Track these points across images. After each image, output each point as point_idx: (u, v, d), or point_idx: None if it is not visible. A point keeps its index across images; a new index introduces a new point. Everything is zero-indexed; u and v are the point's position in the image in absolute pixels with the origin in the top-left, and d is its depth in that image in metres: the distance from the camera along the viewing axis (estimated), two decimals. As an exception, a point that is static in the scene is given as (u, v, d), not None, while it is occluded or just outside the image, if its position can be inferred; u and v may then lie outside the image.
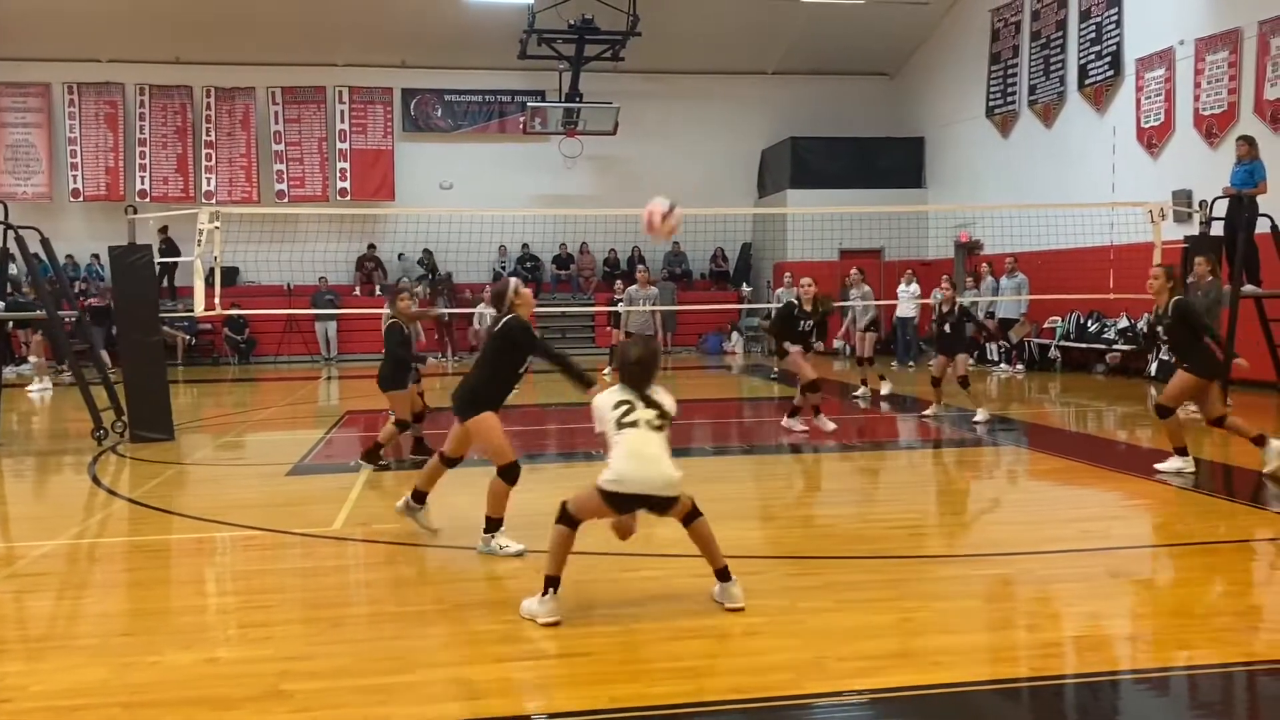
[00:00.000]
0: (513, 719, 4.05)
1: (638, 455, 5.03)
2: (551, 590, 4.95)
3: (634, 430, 5.07)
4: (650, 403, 5.16)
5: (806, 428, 10.97)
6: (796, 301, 11.26)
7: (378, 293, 23.26)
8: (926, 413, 12.35)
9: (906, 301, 19.68)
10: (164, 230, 21.32)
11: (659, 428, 5.15)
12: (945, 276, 13.42)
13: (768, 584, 5.59)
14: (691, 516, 5.18)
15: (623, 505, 5.12)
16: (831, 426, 11.01)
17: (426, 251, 24.07)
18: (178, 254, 16.88)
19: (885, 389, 14.42)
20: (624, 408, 5.13)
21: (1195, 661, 4.52)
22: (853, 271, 15.79)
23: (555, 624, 4.85)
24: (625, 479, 5.00)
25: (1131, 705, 4.25)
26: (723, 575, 5.14)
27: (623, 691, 4.14)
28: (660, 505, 5.11)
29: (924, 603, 5.23)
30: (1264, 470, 8.18)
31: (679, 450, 10.79)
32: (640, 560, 6.01)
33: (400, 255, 24.18)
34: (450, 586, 5.71)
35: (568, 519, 5.11)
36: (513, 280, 6.43)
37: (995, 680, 4.32)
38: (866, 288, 15.40)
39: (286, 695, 4.13)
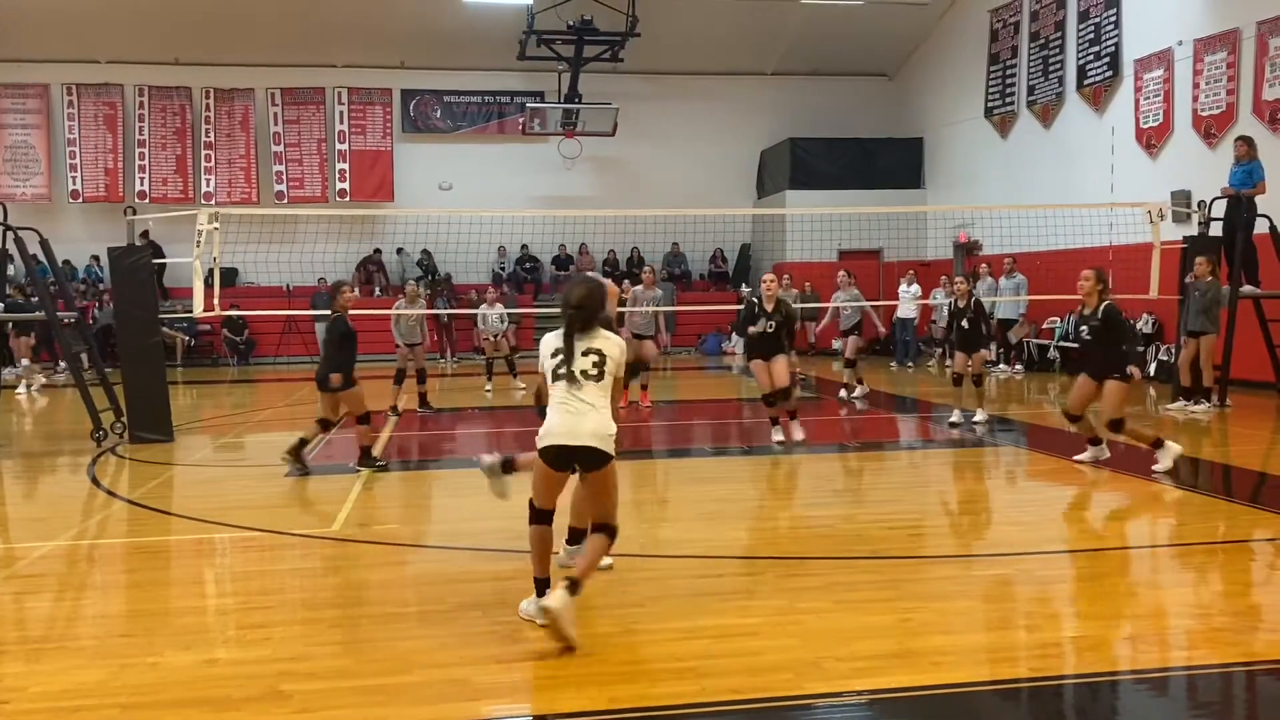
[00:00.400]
0: (513, 719, 4.07)
1: (565, 407, 4.82)
2: (544, 591, 4.85)
3: (563, 382, 4.86)
4: (589, 350, 4.88)
5: (784, 437, 10.34)
6: (757, 300, 10.52)
7: (376, 294, 23.30)
8: (953, 419, 11.56)
9: (907, 302, 19.69)
10: (145, 234, 21.15)
11: (597, 376, 4.86)
12: (962, 274, 13.37)
13: (767, 585, 5.60)
14: (603, 529, 4.93)
15: (556, 462, 4.85)
16: (800, 436, 10.31)
17: (425, 252, 24.10)
18: (161, 255, 16.81)
19: (859, 391, 14.39)
20: (558, 358, 4.90)
21: (1194, 662, 4.52)
22: (840, 274, 15.76)
23: (548, 626, 4.66)
24: (551, 431, 4.82)
25: (1130, 705, 4.26)
26: (573, 587, 4.68)
27: (622, 692, 4.14)
28: (589, 461, 4.82)
29: (923, 603, 5.24)
30: (1154, 469, 8.35)
31: (678, 451, 10.87)
32: (640, 561, 6.01)
33: (399, 250, 24.22)
34: (450, 587, 5.71)
35: (536, 515, 4.96)
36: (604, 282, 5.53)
37: (994, 681, 4.33)
38: (855, 290, 15.38)
39: (286, 696, 4.13)
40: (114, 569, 6.42)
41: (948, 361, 10.81)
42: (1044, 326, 18.78)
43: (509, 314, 17.01)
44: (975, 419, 11.53)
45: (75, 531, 7.27)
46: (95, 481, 9.11)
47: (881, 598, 5.32)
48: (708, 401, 15.66)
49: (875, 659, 4.44)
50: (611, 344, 4.96)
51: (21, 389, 16.87)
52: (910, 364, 19.72)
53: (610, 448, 4.83)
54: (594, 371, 4.86)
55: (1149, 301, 14.83)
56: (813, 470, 9.71)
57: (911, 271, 20.00)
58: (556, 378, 4.89)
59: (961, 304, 11.91)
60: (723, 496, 8.12)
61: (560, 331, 4.94)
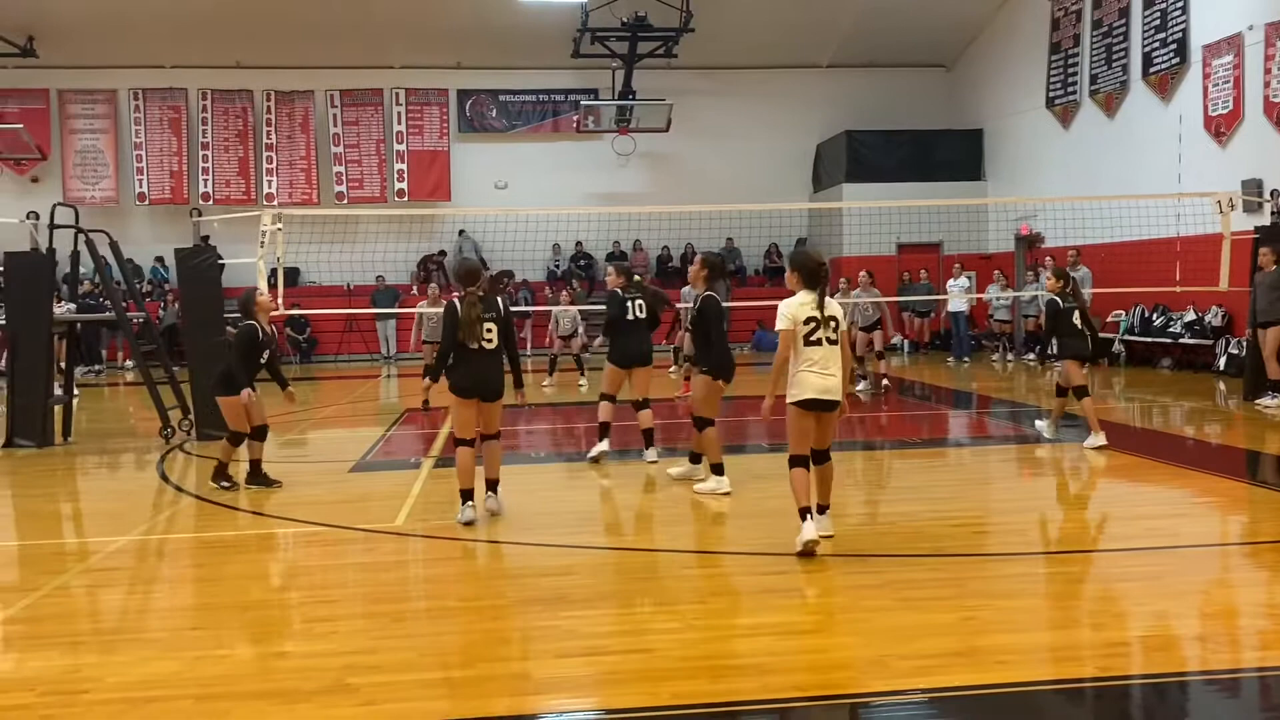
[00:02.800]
0: (574, 714, 4.09)
1: (818, 367, 5.86)
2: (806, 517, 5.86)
3: (816, 347, 5.86)
4: (830, 316, 5.90)
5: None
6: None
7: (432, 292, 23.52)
8: (1045, 433, 10.15)
9: (957, 295, 19.42)
10: (205, 238, 21.52)
11: (836, 340, 5.90)
12: (1046, 262, 13.11)
13: (829, 582, 5.57)
14: (822, 458, 6.08)
15: (810, 406, 5.90)
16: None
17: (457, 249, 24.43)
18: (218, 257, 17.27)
19: (860, 385, 14.37)
20: (811, 324, 5.86)
21: (1267, 663, 4.42)
22: (861, 274, 15.66)
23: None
24: (810, 386, 5.85)
25: (1200, 707, 4.17)
26: (822, 510, 6.18)
27: (684, 688, 4.15)
28: (832, 409, 5.94)
29: (987, 601, 5.17)
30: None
31: (734, 448, 10.84)
32: (701, 558, 6.02)
33: (461, 232, 24.34)
34: (511, 582, 5.76)
35: (796, 460, 6.03)
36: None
37: (1059, 680, 4.26)
38: (875, 290, 15.34)
39: (352, 689, 4.20)
40: (184, 563, 6.57)
41: (1056, 365, 10.37)
42: (1109, 320, 18.41)
43: (579, 311, 17.09)
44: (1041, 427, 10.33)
45: (146, 526, 7.45)
46: (164, 477, 9.33)
47: (944, 595, 5.27)
48: (763, 398, 15.59)
49: (938, 657, 4.40)
50: (840, 308, 6.00)
51: None
52: (966, 359, 19.47)
53: (841, 395, 5.98)
54: (835, 336, 5.91)
55: (1218, 294, 14.49)
56: (871, 467, 9.63)
57: (958, 264, 19.64)
58: (809, 342, 5.84)
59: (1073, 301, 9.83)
60: (782, 493, 8.07)
61: (809, 298, 5.90)
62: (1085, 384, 9.52)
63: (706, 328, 7.92)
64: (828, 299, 5.95)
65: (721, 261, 8.21)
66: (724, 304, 8.42)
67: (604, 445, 9.25)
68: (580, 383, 15.81)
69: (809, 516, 5.87)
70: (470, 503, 6.97)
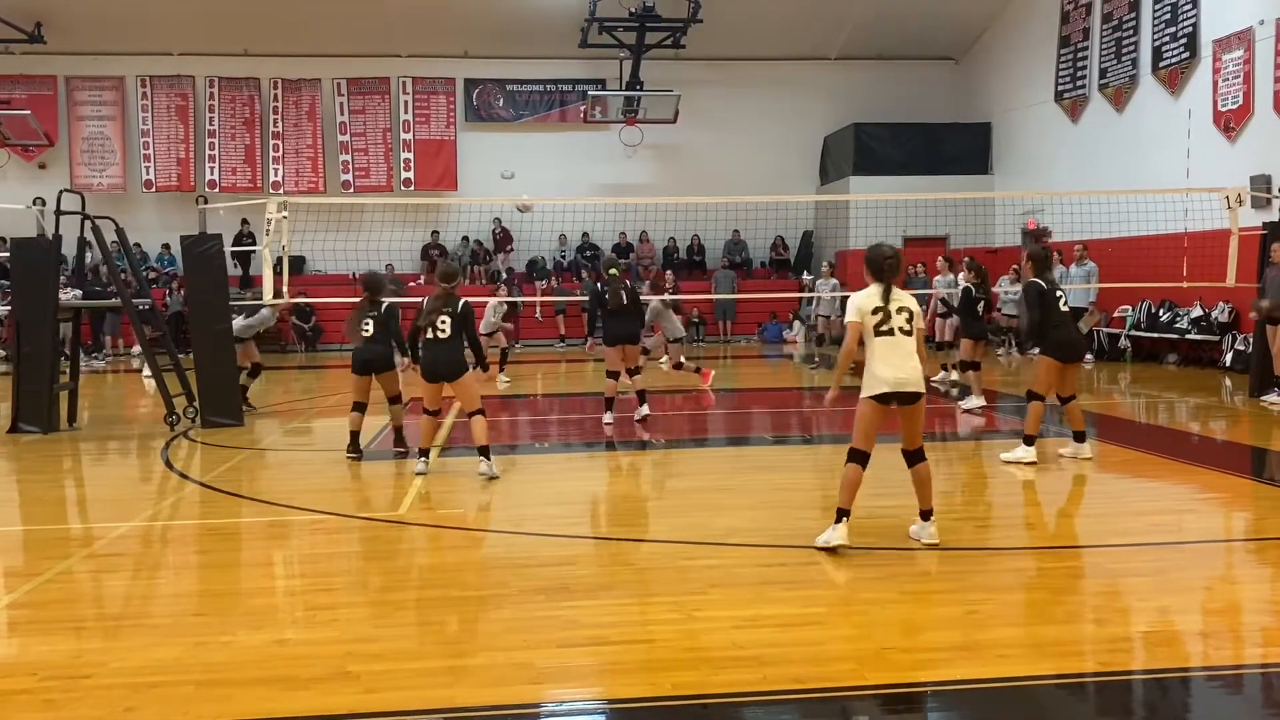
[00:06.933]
0: (575, 704, 4.09)
1: (890, 359, 5.77)
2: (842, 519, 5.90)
3: (886, 337, 5.79)
4: (902, 307, 5.84)
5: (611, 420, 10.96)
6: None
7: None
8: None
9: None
10: (245, 221, 21.80)
11: (910, 331, 5.83)
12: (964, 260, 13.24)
13: (830, 574, 5.57)
14: (914, 458, 5.98)
15: (886, 400, 5.80)
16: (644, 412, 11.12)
17: (478, 242, 24.42)
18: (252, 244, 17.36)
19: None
20: (879, 315, 5.80)
21: (1270, 659, 4.40)
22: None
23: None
24: (883, 379, 5.75)
25: (1202, 703, 4.16)
26: (925, 515, 6.00)
27: (684, 679, 4.15)
28: (912, 400, 5.84)
29: (989, 595, 5.16)
30: (1002, 456, 8.73)
31: (738, 439, 10.84)
32: (702, 549, 6.02)
33: (465, 238, 24.51)
34: (513, 571, 5.77)
35: (856, 456, 5.94)
36: None
37: (1061, 675, 4.25)
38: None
39: (353, 677, 4.20)
40: (187, 549, 6.58)
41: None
42: (1115, 315, 18.36)
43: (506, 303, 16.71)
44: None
45: (150, 513, 7.47)
46: (169, 464, 9.35)
47: (947, 589, 5.26)
48: (768, 390, 15.59)
49: (940, 650, 4.40)
50: (913, 299, 5.96)
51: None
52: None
53: (924, 387, 5.90)
54: (908, 326, 5.83)
55: (1225, 290, 14.43)
56: (875, 460, 9.60)
57: (942, 258, 18.60)
58: (880, 333, 5.79)
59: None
60: (784, 485, 8.09)
61: (876, 290, 5.87)
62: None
63: (1043, 314, 8.55)
64: (897, 290, 5.90)
65: (1046, 254, 8.90)
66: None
67: (608, 417, 11.00)
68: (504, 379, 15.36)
69: (844, 519, 5.84)
70: (424, 459, 8.43)
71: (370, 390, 9.37)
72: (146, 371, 17.32)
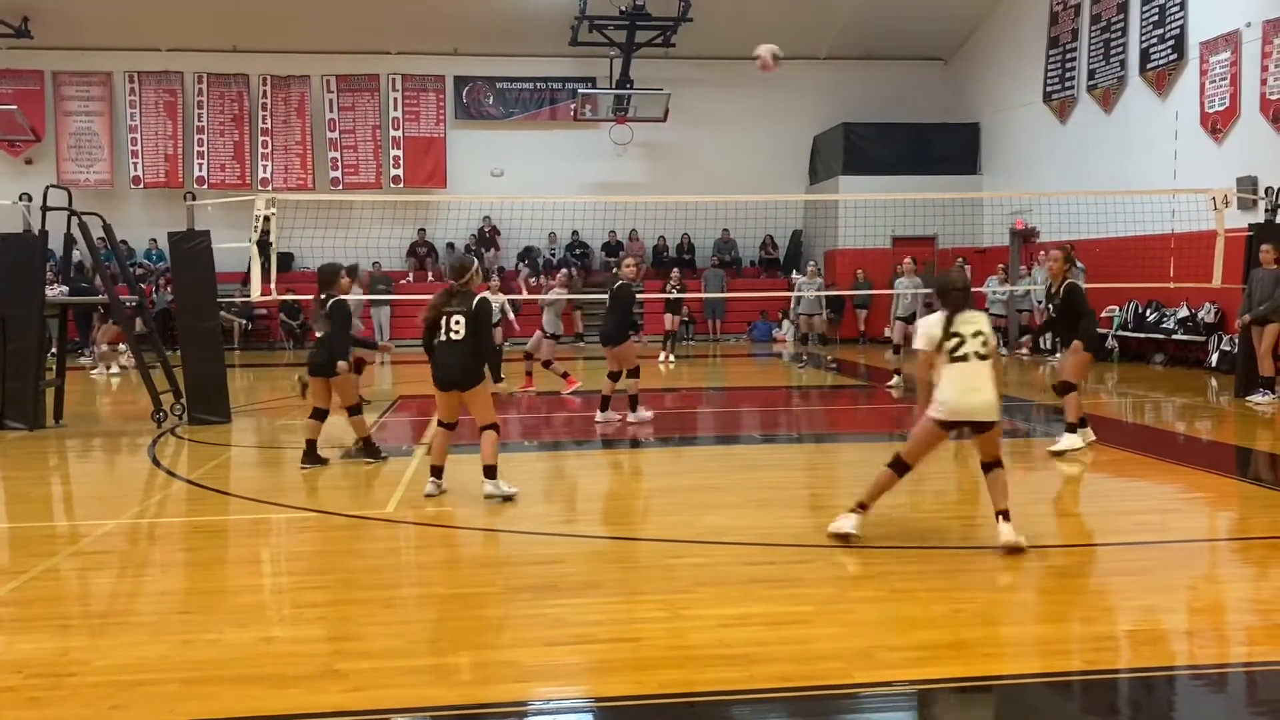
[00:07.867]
0: (562, 702, 4.09)
1: (963, 384, 5.72)
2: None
3: (961, 363, 5.74)
4: (978, 332, 5.79)
5: (620, 417, 10.98)
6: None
7: (430, 280, 23.50)
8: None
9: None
10: (266, 219, 21.53)
11: (985, 355, 5.79)
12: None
13: (818, 573, 5.58)
14: (989, 466, 5.92)
15: (948, 428, 5.85)
16: (647, 415, 11.05)
17: (472, 237, 24.34)
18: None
19: (894, 381, 14.16)
20: (955, 340, 5.76)
21: (1254, 658, 4.43)
22: (906, 260, 15.43)
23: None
24: (953, 407, 5.72)
25: (1187, 702, 4.18)
26: (1005, 515, 5.86)
27: (670, 677, 4.15)
28: (983, 427, 5.83)
29: (976, 594, 5.18)
30: (1050, 449, 8.87)
31: (727, 438, 10.85)
32: (689, 547, 6.02)
33: (450, 245, 24.42)
34: (501, 570, 5.76)
35: (901, 470, 5.98)
36: None
37: (1047, 673, 4.27)
38: (918, 279, 15.04)
39: (340, 675, 4.19)
40: (174, 547, 6.56)
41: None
42: (1102, 315, 18.42)
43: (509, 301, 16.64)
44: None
45: (136, 510, 7.43)
46: (156, 461, 9.31)
47: (935, 588, 5.27)
48: (757, 389, 15.61)
49: (927, 649, 4.41)
50: (987, 320, 5.95)
51: (99, 370, 17.41)
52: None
53: (999, 415, 5.89)
54: (984, 350, 5.79)
55: (1211, 290, 14.50)
56: (863, 458, 9.63)
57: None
58: (954, 358, 5.75)
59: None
60: (773, 483, 8.10)
61: (947, 315, 5.85)
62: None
63: (1077, 312, 8.95)
64: (968, 313, 5.90)
65: (1071, 251, 9.40)
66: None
67: (605, 415, 11.05)
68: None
69: (862, 511, 6.02)
70: (434, 479, 7.39)
71: (330, 396, 8.68)
72: (98, 370, 17.33)
